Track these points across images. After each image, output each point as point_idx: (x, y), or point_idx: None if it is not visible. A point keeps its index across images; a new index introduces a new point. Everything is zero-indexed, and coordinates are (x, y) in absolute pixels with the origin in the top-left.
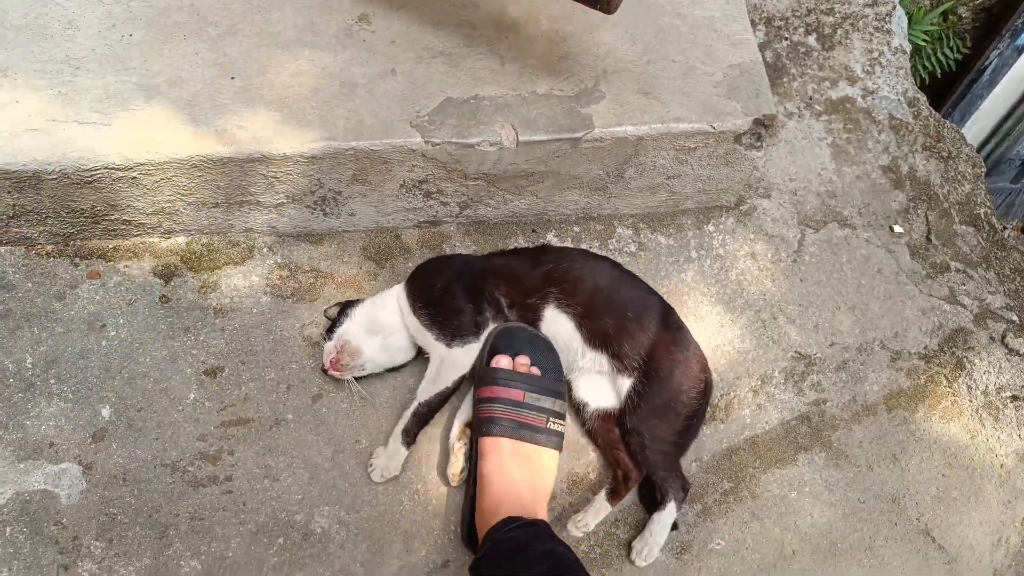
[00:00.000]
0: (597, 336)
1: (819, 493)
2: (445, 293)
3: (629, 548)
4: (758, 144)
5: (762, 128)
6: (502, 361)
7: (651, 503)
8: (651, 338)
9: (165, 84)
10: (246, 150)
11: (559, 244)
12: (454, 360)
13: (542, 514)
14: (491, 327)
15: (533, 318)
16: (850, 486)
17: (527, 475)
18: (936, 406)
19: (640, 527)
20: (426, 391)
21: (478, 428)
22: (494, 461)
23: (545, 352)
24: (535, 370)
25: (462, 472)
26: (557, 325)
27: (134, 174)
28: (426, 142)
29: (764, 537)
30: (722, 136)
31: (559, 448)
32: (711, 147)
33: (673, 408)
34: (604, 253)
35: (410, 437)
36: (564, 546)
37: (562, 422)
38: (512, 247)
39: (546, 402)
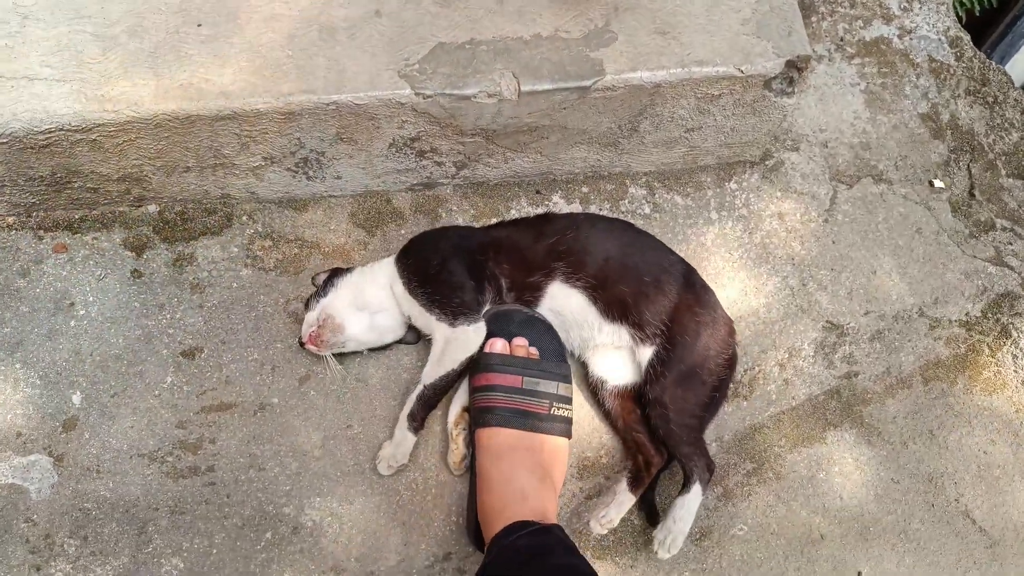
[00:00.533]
0: (614, 307)
1: (849, 473)
2: (443, 269)
3: (650, 539)
4: (790, 90)
5: (795, 71)
6: (496, 345)
7: (651, 514)
8: (673, 301)
9: (124, 34)
10: (215, 107)
11: (566, 206)
12: (460, 340)
13: (552, 512)
14: (487, 309)
15: (533, 298)
16: (883, 465)
17: (532, 469)
18: (977, 377)
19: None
20: (431, 373)
21: (475, 419)
22: (494, 455)
23: (544, 333)
24: (533, 352)
25: (463, 460)
26: (567, 301)
27: (94, 136)
28: (416, 94)
29: (790, 521)
30: (750, 81)
31: (567, 435)
32: (737, 94)
33: (699, 376)
34: (615, 215)
35: (416, 422)
36: (579, 556)
37: (568, 407)
38: (513, 215)
39: (548, 386)
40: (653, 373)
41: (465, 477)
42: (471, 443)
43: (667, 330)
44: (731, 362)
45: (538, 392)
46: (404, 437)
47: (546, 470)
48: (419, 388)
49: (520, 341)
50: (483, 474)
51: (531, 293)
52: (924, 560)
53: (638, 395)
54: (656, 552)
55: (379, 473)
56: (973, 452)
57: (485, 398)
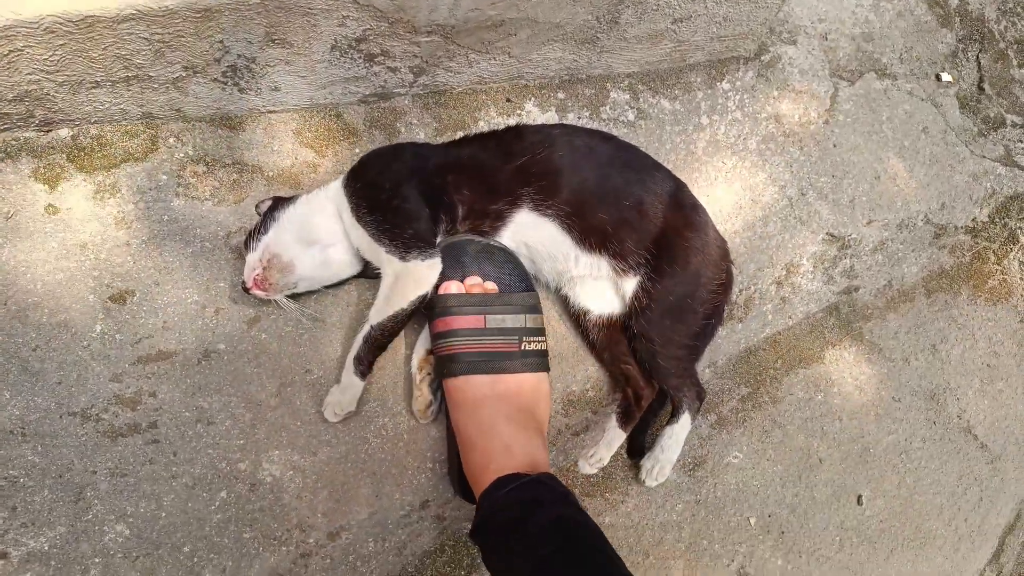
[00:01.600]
0: (592, 236)
1: (849, 393)
2: (395, 195)
3: (637, 468)
4: None
5: None
6: (452, 286)
7: (638, 452)
8: (659, 225)
9: None
10: (114, 4)
11: (540, 115)
12: (412, 275)
13: (542, 458)
14: (440, 241)
15: (492, 228)
16: (883, 383)
17: (511, 415)
18: (982, 287)
19: (649, 445)
20: (379, 312)
21: (439, 370)
22: (469, 409)
23: (504, 262)
24: (491, 287)
25: (429, 407)
26: (537, 232)
27: None
28: None
29: (787, 446)
30: None
31: (544, 368)
32: None
33: (689, 305)
34: (596, 125)
35: (363, 366)
36: (572, 506)
37: (541, 339)
38: (482, 127)
39: (515, 320)
40: (638, 305)
41: (435, 424)
42: (438, 390)
43: (653, 258)
44: (725, 286)
45: (505, 329)
46: (351, 382)
47: (528, 413)
48: (366, 328)
49: (474, 279)
50: (461, 431)
51: (491, 223)
52: (925, 479)
53: (624, 325)
54: (643, 480)
55: (326, 420)
56: (976, 366)
57: (447, 345)
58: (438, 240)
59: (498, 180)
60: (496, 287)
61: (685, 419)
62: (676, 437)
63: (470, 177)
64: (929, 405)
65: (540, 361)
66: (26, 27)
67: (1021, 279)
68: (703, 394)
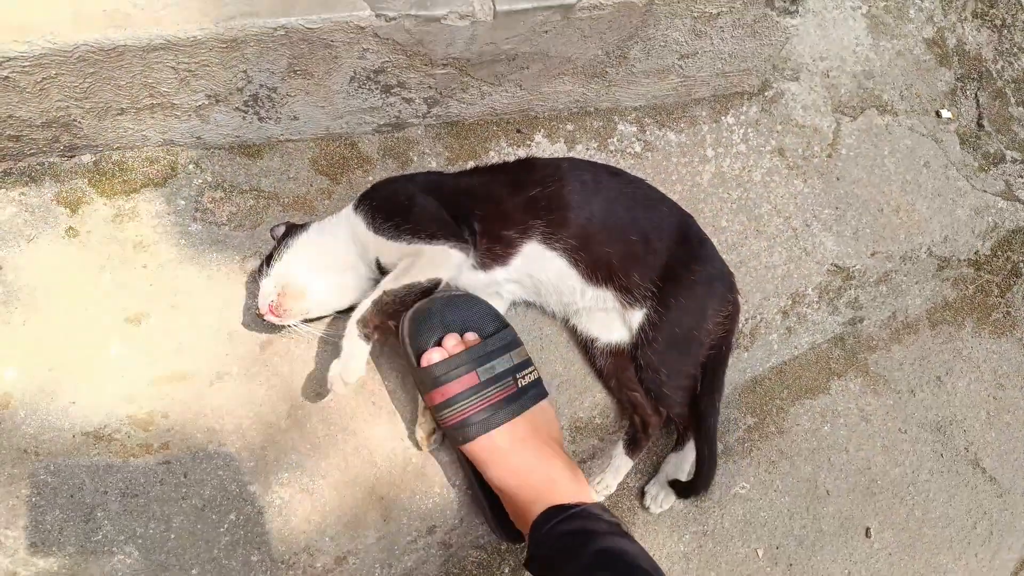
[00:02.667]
0: (599, 269)
1: (855, 424)
2: (412, 203)
3: (642, 494)
4: (793, 8)
5: None
6: (433, 356)
7: (632, 446)
8: (664, 259)
9: None
10: (145, 34)
11: (549, 146)
12: (434, 256)
13: (583, 485)
14: (472, 253)
15: (505, 253)
16: (889, 414)
17: (539, 450)
18: (986, 319)
19: (654, 472)
20: (394, 280)
21: (453, 439)
22: (500, 462)
23: (469, 307)
24: (470, 337)
25: (432, 435)
26: (544, 264)
27: (5, 73)
28: (377, 16)
29: (794, 477)
30: None
31: (544, 394)
32: (738, 12)
33: (696, 337)
34: (603, 156)
35: (368, 328)
36: (623, 534)
37: (531, 369)
38: (492, 157)
39: (504, 363)
40: (644, 337)
41: (442, 450)
42: (447, 446)
43: (658, 291)
44: (731, 317)
45: (497, 375)
46: (355, 347)
47: (550, 442)
48: (377, 292)
49: (452, 339)
50: (499, 485)
51: (503, 247)
52: (933, 512)
53: (632, 354)
54: (648, 507)
55: (335, 393)
56: (982, 398)
57: (452, 414)
58: (471, 249)
59: (509, 209)
60: (475, 335)
61: (690, 446)
62: (681, 465)
63: (482, 204)
64: (936, 437)
65: (538, 391)
66: (60, 55)
67: None
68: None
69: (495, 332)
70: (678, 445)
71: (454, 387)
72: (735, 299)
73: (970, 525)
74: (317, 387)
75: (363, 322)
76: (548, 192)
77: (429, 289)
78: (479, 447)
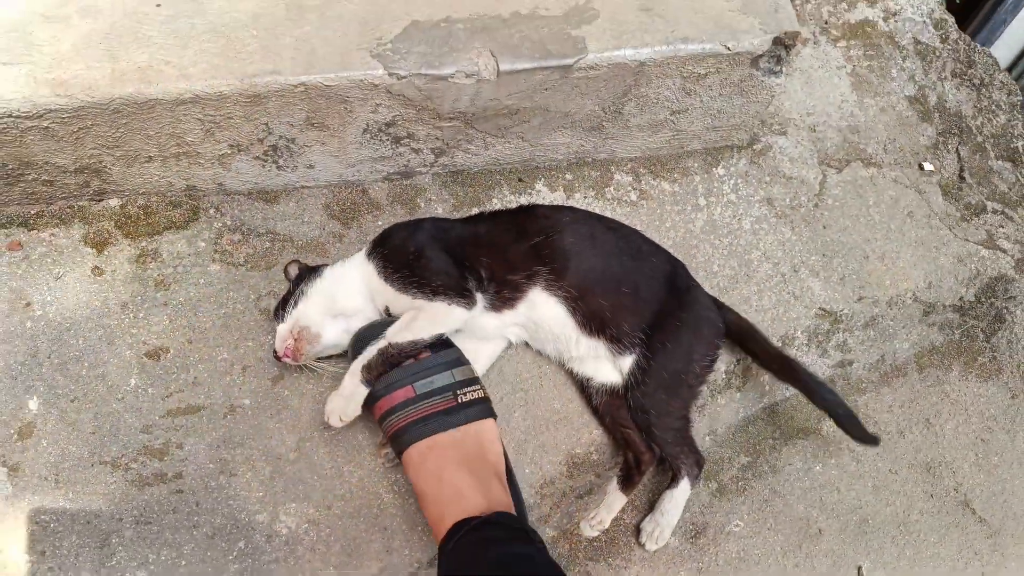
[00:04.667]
0: (593, 320)
1: (846, 465)
2: (420, 255)
3: (638, 531)
4: (778, 68)
5: (783, 49)
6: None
7: (626, 483)
8: (654, 308)
9: (77, 14)
10: (175, 90)
11: (549, 194)
12: (435, 312)
13: (497, 500)
14: (478, 302)
15: (513, 297)
16: (880, 456)
17: (459, 463)
18: (972, 363)
19: (650, 509)
20: (399, 334)
21: (395, 449)
22: (417, 470)
23: None
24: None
25: (384, 446)
26: (546, 310)
27: (46, 123)
28: (390, 75)
29: (787, 516)
30: (737, 59)
31: (488, 415)
32: (724, 73)
33: (683, 380)
34: (600, 204)
35: (371, 375)
36: (522, 541)
37: (475, 387)
38: (495, 204)
39: (442, 379)
40: (634, 380)
41: (389, 466)
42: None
43: (648, 337)
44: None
45: (436, 389)
46: (356, 389)
47: (476, 459)
48: (382, 342)
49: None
50: (417, 491)
51: (511, 291)
52: (925, 552)
53: (624, 394)
54: (644, 543)
55: (330, 426)
56: (970, 440)
57: (391, 424)
58: (473, 303)
59: (514, 255)
60: (428, 354)
61: (684, 484)
62: (675, 501)
63: (489, 250)
64: (926, 478)
65: (481, 408)
66: (97, 108)
67: (1010, 357)
68: (702, 461)
69: (438, 351)
70: (672, 483)
71: (388, 401)
72: (721, 343)
73: (961, 565)
74: (324, 421)
75: (367, 368)
76: (550, 241)
77: (431, 344)
78: (410, 455)
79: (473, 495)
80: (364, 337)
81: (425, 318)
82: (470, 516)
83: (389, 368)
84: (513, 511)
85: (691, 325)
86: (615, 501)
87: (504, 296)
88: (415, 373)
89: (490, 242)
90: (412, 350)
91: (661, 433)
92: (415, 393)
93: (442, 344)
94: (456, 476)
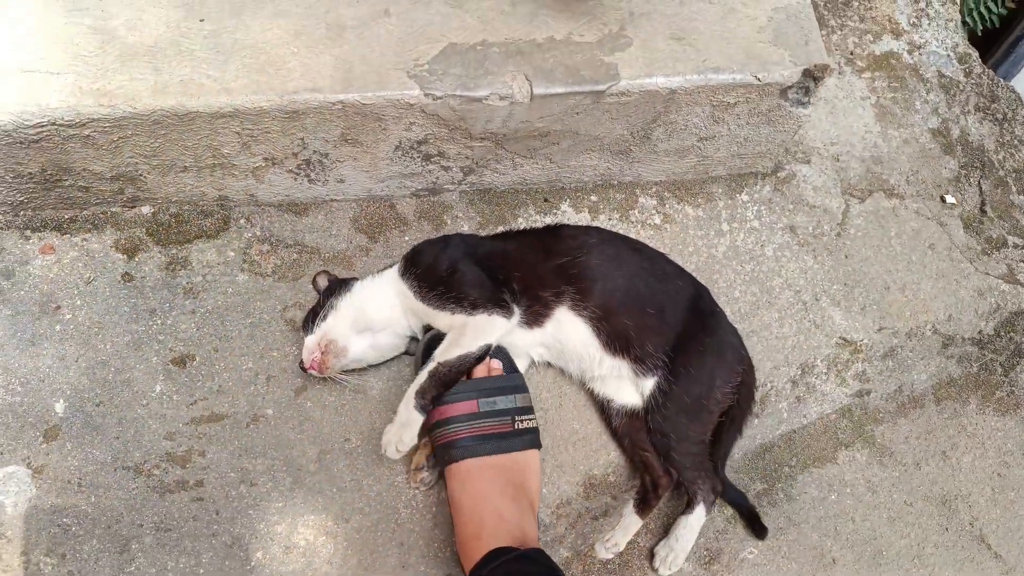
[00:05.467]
0: (617, 340)
1: (862, 495)
2: (453, 271)
3: (652, 555)
4: (806, 99)
5: (811, 80)
6: None
7: (643, 506)
8: (677, 331)
9: (123, 27)
10: (216, 103)
11: (574, 215)
12: (478, 326)
13: (531, 533)
14: (516, 312)
15: (543, 313)
16: (896, 486)
17: (504, 489)
18: (990, 397)
19: (665, 533)
20: (447, 352)
21: (441, 458)
22: (462, 482)
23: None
24: (496, 366)
25: (420, 470)
26: (572, 329)
27: (87, 132)
28: (426, 95)
29: (801, 544)
30: (767, 89)
31: (536, 445)
32: (753, 102)
33: (704, 406)
34: (625, 226)
35: (426, 400)
36: None
37: (531, 417)
38: (520, 223)
39: (506, 402)
40: (655, 403)
41: (425, 493)
42: (436, 466)
43: (670, 361)
44: (742, 386)
45: (497, 411)
46: (411, 417)
47: (519, 487)
48: (432, 364)
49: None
50: (455, 504)
51: (542, 307)
52: None
53: (644, 417)
54: (657, 569)
55: (388, 458)
56: (987, 474)
57: (444, 433)
58: (512, 313)
59: (543, 273)
60: (500, 367)
61: (700, 511)
62: (690, 527)
63: (518, 266)
64: (941, 511)
65: (532, 438)
66: (138, 119)
67: None
68: (718, 488)
69: (507, 373)
70: (688, 508)
71: (452, 409)
72: (746, 369)
73: None
74: (345, 433)
75: (421, 394)
76: (578, 261)
77: (480, 356)
78: (458, 469)
79: (512, 524)
80: (432, 343)
81: (469, 332)
82: (507, 545)
83: (444, 389)
84: (540, 546)
85: (714, 350)
86: (631, 524)
87: (535, 311)
88: (483, 389)
89: (519, 259)
90: (462, 366)
91: (680, 457)
92: (478, 409)
93: (511, 367)
94: (499, 501)
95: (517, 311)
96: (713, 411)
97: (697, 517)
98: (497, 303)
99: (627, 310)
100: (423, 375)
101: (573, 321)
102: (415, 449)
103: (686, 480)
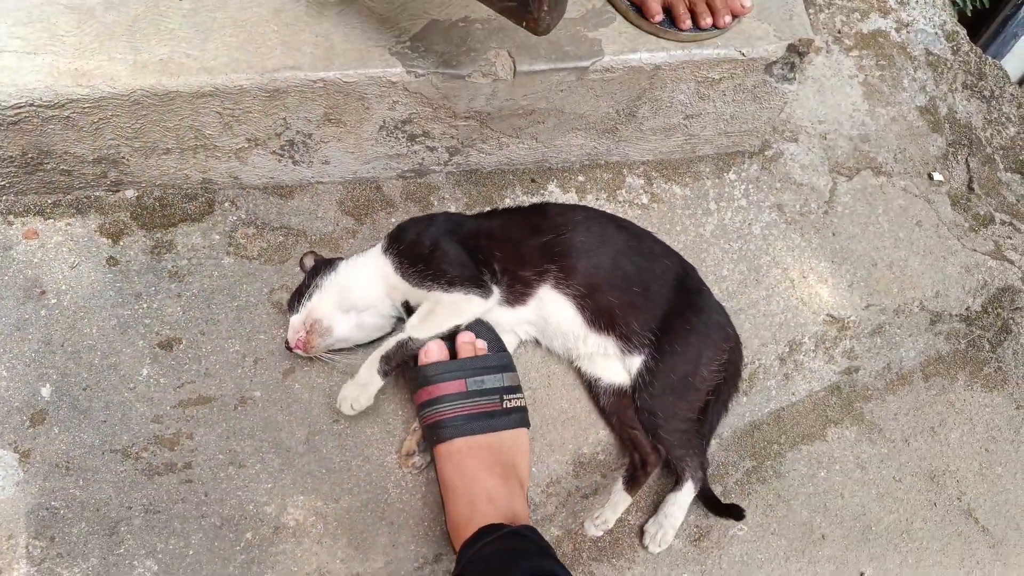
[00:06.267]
0: (602, 317)
1: (850, 471)
2: (435, 249)
3: (642, 533)
4: (791, 75)
5: (796, 56)
6: (432, 353)
7: (631, 483)
8: (663, 309)
9: (100, 6)
10: (196, 83)
11: (562, 195)
12: (452, 303)
13: (522, 511)
14: (494, 292)
15: (524, 293)
16: (884, 463)
17: (493, 468)
18: (978, 373)
19: (655, 511)
20: (419, 327)
21: (429, 438)
22: (454, 463)
23: (481, 324)
24: (480, 345)
25: (411, 455)
26: (555, 307)
27: (67, 113)
28: (408, 72)
29: (790, 521)
30: (751, 65)
31: (525, 424)
32: (738, 78)
33: (691, 383)
34: (612, 206)
35: (389, 366)
36: (551, 558)
37: (519, 395)
38: (508, 204)
39: (494, 381)
40: (642, 381)
41: (416, 475)
42: (426, 449)
43: (656, 339)
44: (729, 363)
45: (485, 390)
46: (371, 379)
47: (509, 467)
48: (403, 335)
49: (466, 335)
50: (446, 483)
51: (523, 287)
52: (927, 560)
53: (631, 395)
54: (647, 545)
55: (341, 413)
56: (975, 450)
57: (433, 413)
58: (490, 294)
59: (526, 252)
60: (485, 347)
61: (688, 487)
62: (679, 504)
63: (501, 244)
64: (929, 486)
65: (520, 417)
66: (118, 99)
67: (1016, 368)
68: (707, 464)
69: (495, 352)
70: (677, 485)
71: (440, 389)
72: (733, 347)
73: (963, 575)
74: (333, 415)
75: (386, 359)
76: (561, 239)
77: (449, 337)
78: (447, 448)
79: (502, 502)
80: None
81: (443, 310)
82: (497, 523)
83: (409, 360)
84: (531, 524)
85: (701, 329)
86: (620, 501)
87: (516, 290)
88: (471, 368)
89: (503, 237)
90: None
91: (667, 435)
92: (466, 389)
93: (499, 346)
94: (489, 481)
95: (496, 291)
96: (700, 389)
97: (686, 494)
98: (475, 283)
99: (612, 288)
100: (391, 342)
101: (556, 299)
102: (409, 445)
103: (674, 457)
